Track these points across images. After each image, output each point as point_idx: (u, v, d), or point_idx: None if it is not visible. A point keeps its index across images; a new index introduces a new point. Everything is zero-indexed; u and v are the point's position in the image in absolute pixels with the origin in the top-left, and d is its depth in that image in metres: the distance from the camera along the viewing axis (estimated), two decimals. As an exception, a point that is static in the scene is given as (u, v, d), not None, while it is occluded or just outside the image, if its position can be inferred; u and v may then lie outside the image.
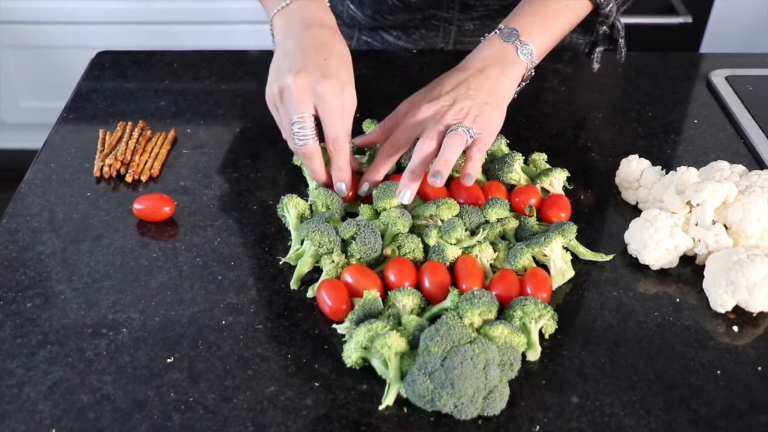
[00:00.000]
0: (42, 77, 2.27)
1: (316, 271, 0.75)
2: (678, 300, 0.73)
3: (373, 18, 1.07)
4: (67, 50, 2.17)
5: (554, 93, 1.04)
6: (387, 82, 1.05)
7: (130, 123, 0.93)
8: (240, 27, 2.17)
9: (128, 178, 0.85)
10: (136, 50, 1.11)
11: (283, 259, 0.76)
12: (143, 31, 2.17)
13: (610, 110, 1.01)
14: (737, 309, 0.72)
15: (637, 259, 0.77)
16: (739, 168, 0.81)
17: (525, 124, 0.97)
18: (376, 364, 0.64)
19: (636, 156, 0.85)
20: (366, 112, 0.92)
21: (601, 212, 0.84)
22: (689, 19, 2.09)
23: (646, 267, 0.76)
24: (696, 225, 0.76)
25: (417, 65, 1.08)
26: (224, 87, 1.04)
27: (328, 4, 0.84)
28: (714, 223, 0.76)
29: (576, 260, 0.77)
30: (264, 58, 1.13)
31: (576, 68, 1.10)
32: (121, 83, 1.04)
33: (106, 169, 0.86)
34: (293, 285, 0.73)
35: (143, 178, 0.86)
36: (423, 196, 0.80)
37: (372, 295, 0.68)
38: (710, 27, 2.15)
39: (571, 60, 1.11)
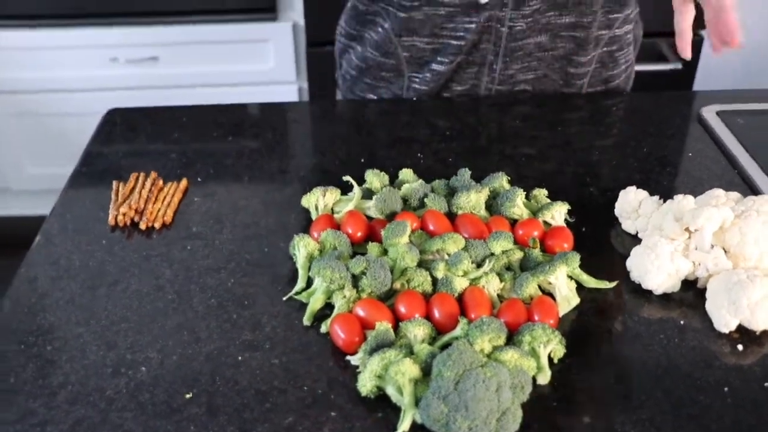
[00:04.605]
0: (48, 144, 2.32)
1: (328, 308, 0.77)
2: (682, 322, 0.75)
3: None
4: (72, 117, 2.22)
5: (552, 134, 1.07)
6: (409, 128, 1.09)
7: (142, 174, 0.96)
8: (240, 89, 2.24)
9: (142, 226, 0.88)
10: (146, 107, 1.14)
11: (288, 295, 0.78)
12: (147, 96, 2.22)
13: (606, 148, 1.05)
14: (741, 328, 0.74)
15: (640, 285, 0.79)
16: (735, 195, 0.84)
17: (525, 162, 1.00)
18: (390, 391, 0.65)
19: (634, 187, 0.87)
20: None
21: (603, 242, 0.86)
22: (679, 66, 2.14)
23: (649, 292, 0.78)
24: (695, 249, 0.78)
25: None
26: (231, 139, 1.07)
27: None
28: (712, 247, 0.78)
29: (581, 288, 0.79)
30: (263, 111, 1.17)
31: (572, 111, 1.13)
32: (132, 138, 1.08)
33: (120, 217, 0.88)
34: (306, 321, 0.75)
35: (157, 225, 0.88)
36: (428, 233, 0.83)
37: (384, 326, 0.70)
38: (699, 72, 2.21)
39: (569, 105, 1.15)
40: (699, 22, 0.89)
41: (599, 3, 1.09)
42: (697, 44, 2.17)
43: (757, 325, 0.72)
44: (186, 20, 2.20)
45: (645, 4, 1.87)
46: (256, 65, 2.28)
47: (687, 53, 0.92)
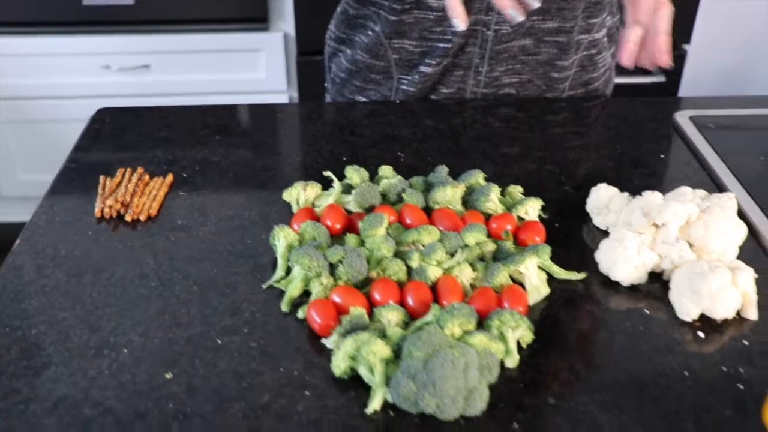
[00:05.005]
0: (39, 150, 2.35)
1: (306, 295, 0.79)
2: (648, 312, 0.78)
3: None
4: (64, 123, 2.25)
5: (532, 135, 1.10)
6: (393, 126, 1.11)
7: (129, 169, 0.98)
8: (231, 98, 2.27)
9: (128, 218, 0.90)
10: (134, 107, 1.17)
11: (267, 283, 0.80)
12: (138, 103, 2.24)
13: (583, 149, 1.08)
14: (703, 317, 0.76)
15: (608, 276, 0.81)
16: (701, 192, 0.87)
17: (503, 162, 1.03)
18: (362, 371, 0.68)
19: (605, 184, 0.90)
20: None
21: (574, 237, 0.89)
22: (662, 79, 2.18)
23: (617, 284, 0.81)
24: (662, 243, 0.81)
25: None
26: (218, 137, 1.10)
27: None
28: (678, 240, 0.81)
29: (551, 280, 0.81)
30: (251, 111, 1.20)
31: (553, 114, 1.16)
32: (120, 136, 1.10)
33: (106, 210, 0.91)
34: (284, 307, 0.77)
35: (142, 218, 0.91)
36: (405, 226, 0.85)
37: (358, 311, 0.73)
38: (683, 86, 2.25)
39: (550, 108, 1.18)
40: (683, 36, 0.94)
41: (580, 8, 1.12)
42: (680, 58, 2.22)
43: (718, 313, 0.75)
44: (178, 29, 2.24)
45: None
46: (248, 74, 2.31)
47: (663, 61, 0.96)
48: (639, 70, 2.19)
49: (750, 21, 2.24)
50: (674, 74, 2.22)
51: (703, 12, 2.15)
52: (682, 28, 2.16)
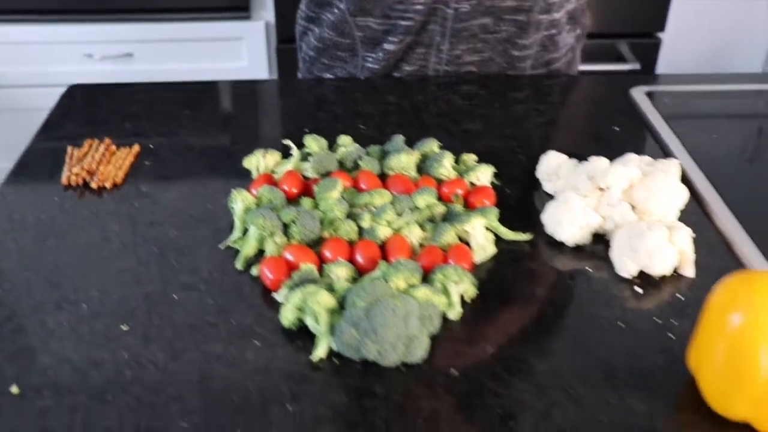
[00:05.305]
0: (20, 138, 2.35)
1: (261, 255, 0.82)
2: (590, 270, 0.81)
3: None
4: (46, 112, 2.26)
5: (493, 111, 1.13)
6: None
7: (96, 140, 1.01)
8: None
9: (94, 185, 0.93)
10: (106, 83, 1.20)
11: (223, 243, 0.83)
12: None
13: (544, 126, 1.11)
14: (641, 274, 0.80)
15: (553, 237, 0.85)
16: (647, 158, 0.90)
17: (463, 137, 1.06)
18: (309, 321, 0.71)
19: (554, 151, 0.94)
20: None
21: (524, 202, 0.92)
22: (637, 66, 2.22)
23: (562, 244, 0.84)
24: (606, 205, 0.84)
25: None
26: (187, 112, 1.13)
27: None
28: (620, 202, 0.84)
29: (500, 242, 0.85)
30: (222, 88, 1.23)
31: (515, 91, 1.19)
32: (91, 111, 1.13)
33: (73, 177, 0.94)
34: (239, 265, 0.80)
35: (108, 185, 0.94)
36: (360, 191, 0.88)
37: (308, 266, 0.76)
38: (658, 73, 2.28)
39: (512, 85, 1.21)
40: (658, 24, 0.96)
41: None
42: (655, 46, 2.25)
43: (655, 270, 0.78)
44: (161, 18, 2.26)
45: (604, 6, 1.95)
46: (230, 63, 2.34)
47: None
48: (614, 57, 2.23)
49: (725, 7, 2.27)
50: (649, 62, 2.25)
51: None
52: (657, 15, 2.20)
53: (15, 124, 2.35)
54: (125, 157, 0.98)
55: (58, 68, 2.27)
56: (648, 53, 2.25)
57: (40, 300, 0.77)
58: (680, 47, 2.28)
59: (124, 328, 0.73)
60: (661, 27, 2.23)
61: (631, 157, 0.90)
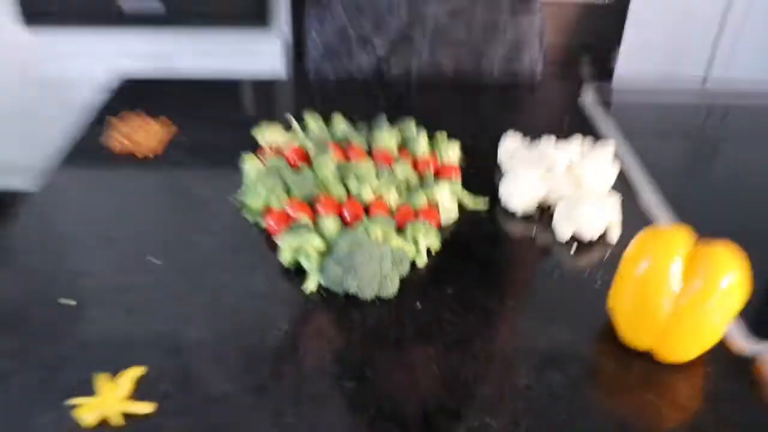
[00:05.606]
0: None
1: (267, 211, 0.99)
2: (535, 235, 0.99)
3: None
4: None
5: (465, 107, 1.31)
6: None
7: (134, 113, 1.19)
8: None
9: (138, 155, 1.11)
10: (154, 78, 1.38)
11: (233, 196, 1.01)
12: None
13: (508, 120, 1.29)
14: (577, 239, 0.97)
15: (506, 207, 1.02)
16: (589, 142, 1.08)
17: (438, 123, 1.23)
18: (303, 261, 0.88)
19: (511, 135, 1.11)
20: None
21: (485, 179, 1.09)
22: None
23: (514, 213, 1.02)
24: (551, 180, 1.02)
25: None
26: (215, 102, 1.30)
27: None
28: (563, 177, 1.01)
29: (463, 211, 1.02)
30: (254, 86, 1.40)
31: (485, 92, 1.38)
32: (138, 98, 1.31)
33: (117, 144, 1.11)
34: (249, 217, 0.98)
35: (151, 155, 1.11)
36: (348, 160, 1.05)
37: (305, 218, 0.93)
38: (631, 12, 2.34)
39: (482, 87, 1.39)
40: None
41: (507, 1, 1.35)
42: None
43: (587, 235, 0.96)
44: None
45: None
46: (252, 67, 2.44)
47: None
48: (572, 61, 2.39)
49: (678, 22, 2.37)
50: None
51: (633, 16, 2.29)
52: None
53: (66, 117, 2.46)
54: (161, 130, 1.15)
55: (105, 66, 2.36)
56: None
57: (84, 234, 0.94)
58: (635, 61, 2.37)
59: (155, 261, 0.90)
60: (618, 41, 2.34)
61: (576, 140, 1.07)
